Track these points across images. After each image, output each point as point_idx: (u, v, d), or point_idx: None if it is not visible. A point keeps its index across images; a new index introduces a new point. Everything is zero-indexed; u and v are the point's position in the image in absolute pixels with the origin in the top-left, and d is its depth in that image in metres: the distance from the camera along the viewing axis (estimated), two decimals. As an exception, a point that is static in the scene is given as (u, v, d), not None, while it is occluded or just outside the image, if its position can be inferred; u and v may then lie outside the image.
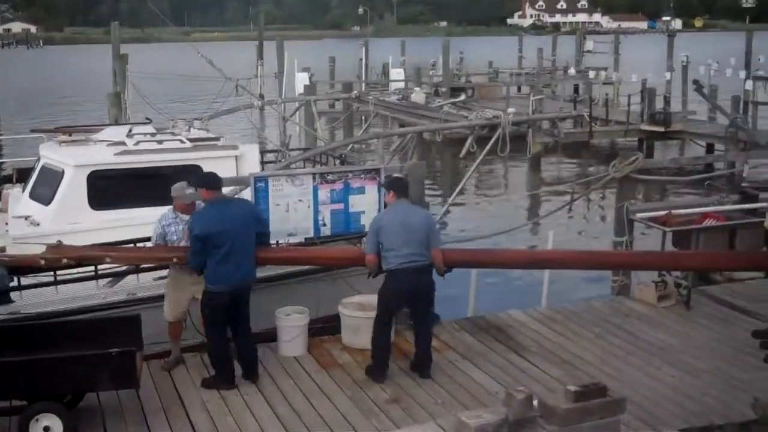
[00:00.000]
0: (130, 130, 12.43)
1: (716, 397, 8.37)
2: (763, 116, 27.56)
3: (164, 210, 9.26)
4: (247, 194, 10.01)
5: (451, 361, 9.30)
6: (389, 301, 8.78)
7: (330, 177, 10.25)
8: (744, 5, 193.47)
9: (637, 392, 8.37)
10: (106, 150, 11.69)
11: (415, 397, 8.41)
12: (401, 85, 39.33)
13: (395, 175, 9.80)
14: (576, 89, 40.86)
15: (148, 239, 9.45)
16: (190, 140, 12.13)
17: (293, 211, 9.99)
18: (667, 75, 41.43)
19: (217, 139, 12.58)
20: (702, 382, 8.71)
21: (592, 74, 41.95)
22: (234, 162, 11.85)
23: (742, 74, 37.02)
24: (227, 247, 8.37)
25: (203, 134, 12.86)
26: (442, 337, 9.96)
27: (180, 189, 9.10)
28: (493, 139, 13.32)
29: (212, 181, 8.72)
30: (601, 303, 11.41)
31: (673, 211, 11.67)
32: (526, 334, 10.13)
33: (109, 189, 11.31)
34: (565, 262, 10.33)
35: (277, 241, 10.02)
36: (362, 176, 10.29)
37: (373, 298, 9.07)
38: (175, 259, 9.01)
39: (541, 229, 17.76)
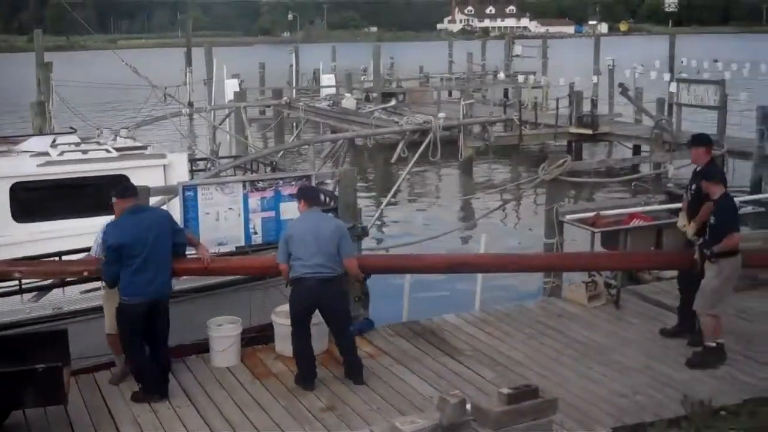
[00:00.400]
0: (54, 140, 12.13)
1: (647, 394, 8.50)
2: (687, 118, 28.20)
3: (98, 220, 9.04)
4: (176, 204, 9.85)
5: (386, 367, 9.28)
6: (297, 310, 8.74)
7: (260, 184, 10.16)
8: (667, 9, 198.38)
9: (569, 392, 8.47)
10: (30, 161, 11.39)
11: (350, 404, 8.36)
12: (332, 90, 39.27)
13: (321, 182, 9.77)
14: (506, 93, 41.29)
15: (76, 251, 9.23)
16: (117, 149, 11.90)
17: (223, 220, 9.88)
18: (594, 78, 42.19)
19: (144, 147, 12.36)
20: (633, 381, 8.83)
21: (521, 78, 42.47)
22: (162, 171, 11.66)
23: (667, 77, 37.93)
24: (142, 257, 8.21)
25: (130, 143, 12.62)
26: (377, 343, 9.95)
27: None
28: (424, 144, 13.41)
29: (124, 190, 8.54)
30: (533, 304, 11.52)
31: (601, 213, 11.85)
32: (460, 337, 10.16)
33: (33, 201, 11.05)
34: (481, 265, 10.34)
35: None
36: (293, 183, 10.21)
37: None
38: (86, 273, 8.80)
39: (474, 233, 17.88)
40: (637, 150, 28.56)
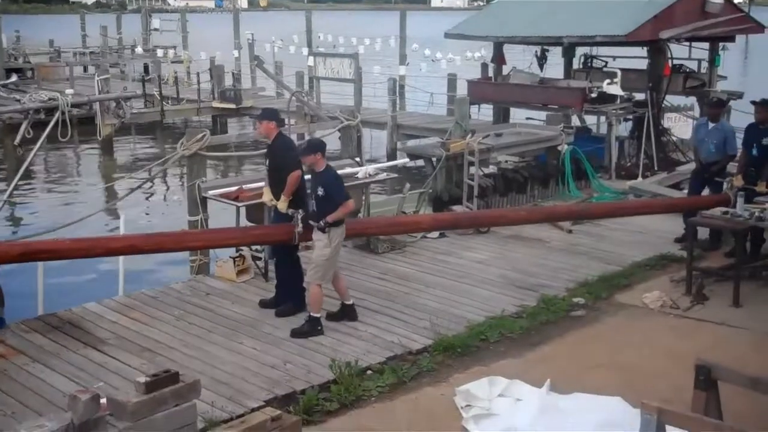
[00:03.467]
0: None
1: (298, 363, 8.54)
2: (326, 90, 29.16)
3: None
4: None
5: (21, 366, 8.45)
6: None
7: None
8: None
9: (221, 370, 8.31)
10: None
11: (-22, 413, 7.51)
12: (-52, 67, 35.65)
13: None
14: (146, 68, 39.99)
15: None
16: None
17: None
18: (235, 53, 42.32)
19: None
20: (283, 351, 8.85)
21: (160, 53, 41.39)
22: None
23: (305, 51, 38.96)
24: None
25: None
26: (10, 342, 9.05)
27: None
28: (51, 123, 12.45)
29: None
30: (180, 285, 11.16)
31: (244, 186, 11.76)
32: (103, 325, 9.56)
33: None
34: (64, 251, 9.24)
35: None
36: None
37: None
38: None
39: (117, 214, 17.05)
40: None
